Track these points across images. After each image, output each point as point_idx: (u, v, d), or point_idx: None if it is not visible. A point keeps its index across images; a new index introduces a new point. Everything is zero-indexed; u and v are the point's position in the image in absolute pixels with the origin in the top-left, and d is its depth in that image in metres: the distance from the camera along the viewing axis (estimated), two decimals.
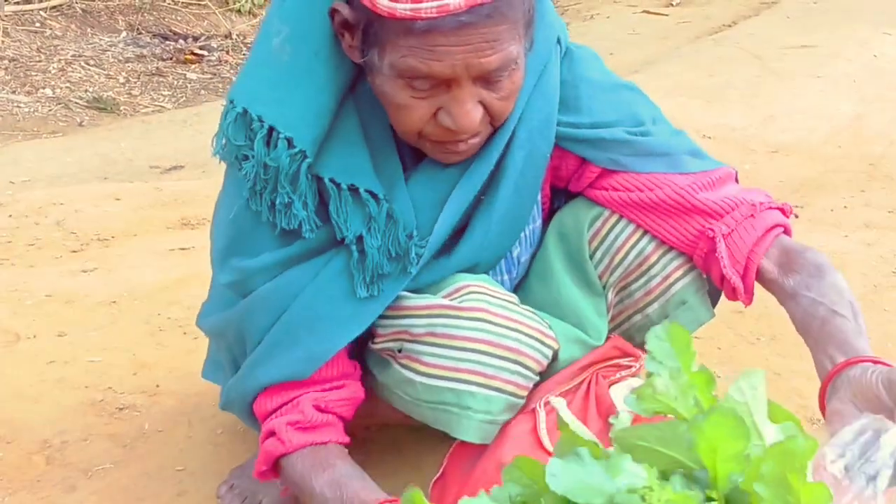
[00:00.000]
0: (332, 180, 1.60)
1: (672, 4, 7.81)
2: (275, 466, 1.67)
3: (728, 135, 4.29)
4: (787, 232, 1.75)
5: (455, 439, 1.69)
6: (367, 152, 1.62)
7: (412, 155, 1.67)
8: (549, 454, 1.59)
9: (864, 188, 3.69)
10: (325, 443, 1.65)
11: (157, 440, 2.10)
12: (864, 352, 1.50)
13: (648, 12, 7.51)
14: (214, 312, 1.77)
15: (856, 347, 1.51)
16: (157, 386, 2.28)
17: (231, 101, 1.59)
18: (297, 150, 1.55)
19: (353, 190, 1.60)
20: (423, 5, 1.42)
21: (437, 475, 1.70)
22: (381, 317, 1.65)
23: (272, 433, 1.65)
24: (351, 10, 1.51)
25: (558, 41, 1.74)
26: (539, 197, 1.79)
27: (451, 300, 1.62)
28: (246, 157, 1.58)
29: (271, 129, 1.55)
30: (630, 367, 1.75)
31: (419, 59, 1.46)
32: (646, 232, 1.77)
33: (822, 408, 1.49)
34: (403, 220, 1.62)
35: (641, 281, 1.80)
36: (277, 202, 1.58)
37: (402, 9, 1.43)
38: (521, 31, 1.51)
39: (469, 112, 1.51)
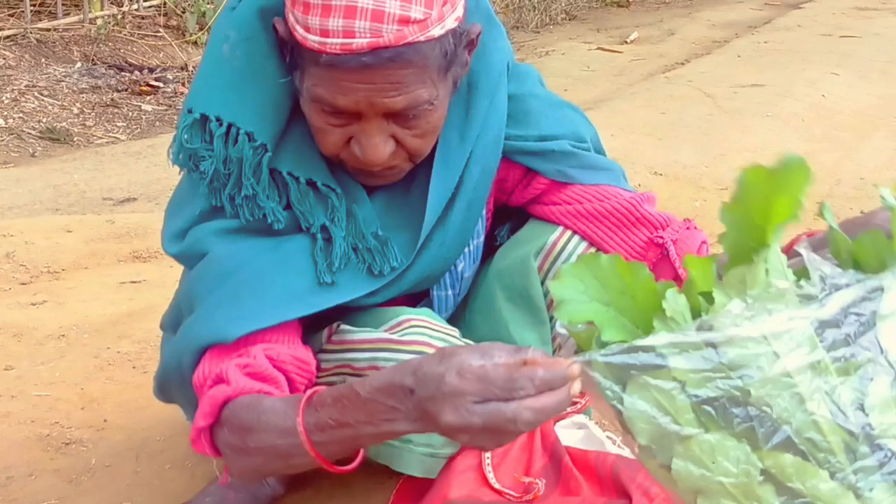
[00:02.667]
0: (290, 174, 1.62)
1: (626, 42, 7.92)
2: (216, 422, 1.51)
3: (679, 172, 4.34)
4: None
5: (401, 476, 1.69)
6: (321, 154, 1.64)
7: None
8: (494, 490, 1.61)
9: (811, 226, 3.73)
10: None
11: (103, 475, 2.08)
12: None
13: (603, 49, 7.61)
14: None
15: None
16: (105, 420, 2.27)
17: (188, 110, 1.62)
18: (258, 143, 1.58)
19: (312, 184, 1.63)
20: (329, 40, 1.45)
21: None
22: (323, 351, 1.66)
23: (220, 379, 1.51)
24: (285, 28, 1.55)
25: (507, 65, 1.79)
26: (483, 211, 1.83)
27: (393, 334, 1.63)
28: (203, 158, 1.60)
29: (230, 126, 1.58)
30: (575, 402, 1.77)
31: (326, 91, 1.50)
32: (598, 249, 1.82)
33: None
34: (364, 216, 1.65)
35: None
36: (239, 196, 1.60)
37: (312, 40, 1.47)
38: (435, 75, 1.52)
39: (376, 146, 1.54)
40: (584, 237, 1.82)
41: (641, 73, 6.71)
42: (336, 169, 1.65)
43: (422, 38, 1.47)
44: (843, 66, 6.26)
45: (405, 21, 1.45)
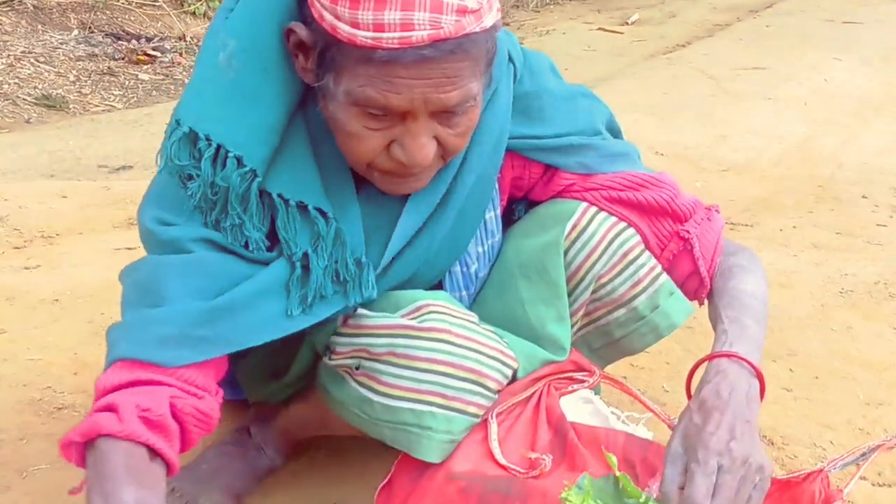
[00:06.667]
0: (280, 196, 1.54)
1: (627, 23, 7.88)
2: (87, 443, 1.44)
3: (680, 152, 4.32)
4: None
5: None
6: (317, 170, 1.56)
7: (362, 176, 1.61)
8: (500, 465, 1.58)
9: (813, 209, 3.72)
10: (157, 451, 1.44)
11: None
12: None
13: (604, 30, 7.58)
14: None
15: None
16: None
17: (177, 122, 1.53)
18: (247, 168, 1.50)
19: (302, 207, 1.55)
20: (386, 35, 1.37)
21: (384, 481, 1.67)
22: (339, 334, 1.63)
23: (112, 409, 1.43)
24: (308, 32, 1.46)
25: (510, 59, 1.71)
26: (493, 213, 1.79)
27: (412, 319, 1.59)
28: (190, 177, 1.52)
29: (219, 147, 1.50)
30: (583, 381, 1.74)
31: (377, 90, 1.41)
32: (628, 225, 1.78)
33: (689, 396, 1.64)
34: (352, 243, 1.58)
35: (629, 271, 1.77)
36: (227, 223, 1.53)
37: (364, 37, 1.38)
38: (482, 68, 1.48)
39: (423, 146, 1.47)
40: (611, 214, 1.77)
41: (643, 54, 6.69)
42: (330, 178, 1.57)
43: (477, 29, 1.41)
44: (845, 51, 6.23)
45: (462, 11, 1.39)
